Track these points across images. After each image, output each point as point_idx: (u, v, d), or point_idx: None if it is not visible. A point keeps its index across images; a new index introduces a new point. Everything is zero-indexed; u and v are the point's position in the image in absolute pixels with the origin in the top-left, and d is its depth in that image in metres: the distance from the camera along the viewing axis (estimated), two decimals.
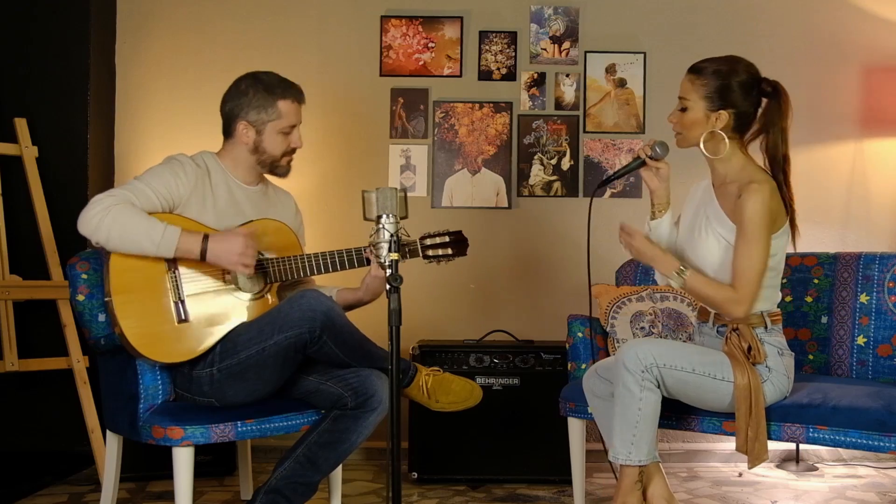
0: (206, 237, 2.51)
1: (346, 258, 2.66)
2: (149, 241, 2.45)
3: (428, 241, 2.71)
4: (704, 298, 2.47)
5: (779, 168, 2.46)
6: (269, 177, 2.83)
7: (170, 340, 2.49)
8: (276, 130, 2.67)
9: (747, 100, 2.46)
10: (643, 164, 2.58)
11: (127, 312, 2.47)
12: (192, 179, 2.61)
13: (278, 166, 2.73)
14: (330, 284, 2.87)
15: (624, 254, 3.47)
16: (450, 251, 2.72)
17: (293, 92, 2.70)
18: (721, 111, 2.45)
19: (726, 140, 2.46)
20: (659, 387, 2.36)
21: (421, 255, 2.71)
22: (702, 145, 2.48)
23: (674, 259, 2.49)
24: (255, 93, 2.66)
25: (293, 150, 2.74)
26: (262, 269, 2.63)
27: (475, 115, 3.90)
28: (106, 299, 2.50)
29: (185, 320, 2.52)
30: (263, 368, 2.49)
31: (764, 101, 2.48)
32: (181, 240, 2.48)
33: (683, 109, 2.49)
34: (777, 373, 2.44)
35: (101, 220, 2.43)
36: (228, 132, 2.71)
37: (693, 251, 2.54)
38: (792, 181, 2.48)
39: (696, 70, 2.49)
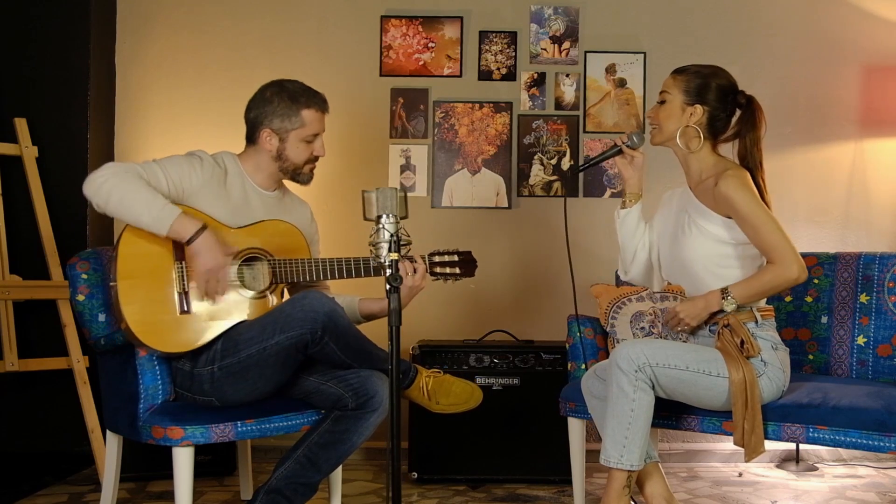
0: (204, 227, 2.49)
1: (353, 266, 2.66)
2: (147, 212, 2.44)
3: (437, 259, 2.74)
4: (761, 291, 2.48)
5: (755, 172, 2.55)
6: (288, 184, 2.84)
7: (170, 330, 2.50)
8: (299, 139, 2.69)
9: (722, 103, 2.57)
10: (619, 152, 2.68)
11: (131, 298, 2.47)
12: (206, 174, 2.63)
13: (300, 174, 2.75)
14: (350, 294, 2.86)
15: None
16: (458, 271, 2.75)
17: (317, 101, 2.72)
18: (697, 105, 2.56)
19: (700, 135, 2.57)
20: (653, 387, 2.39)
21: (428, 271, 2.73)
22: (678, 139, 2.58)
23: (712, 292, 2.50)
24: (279, 101, 2.68)
25: (316, 159, 2.76)
26: (270, 268, 2.63)
27: (475, 115, 3.90)
28: (111, 283, 2.50)
29: (187, 311, 2.52)
30: (264, 368, 2.49)
31: (738, 112, 2.60)
32: (177, 220, 2.46)
33: (662, 102, 2.61)
34: (772, 366, 2.46)
35: (104, 181, 2.45)
36: (252, 139, 2.73)
37: (679, 252, 2.61)
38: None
39: (680, 70, 2.62)
